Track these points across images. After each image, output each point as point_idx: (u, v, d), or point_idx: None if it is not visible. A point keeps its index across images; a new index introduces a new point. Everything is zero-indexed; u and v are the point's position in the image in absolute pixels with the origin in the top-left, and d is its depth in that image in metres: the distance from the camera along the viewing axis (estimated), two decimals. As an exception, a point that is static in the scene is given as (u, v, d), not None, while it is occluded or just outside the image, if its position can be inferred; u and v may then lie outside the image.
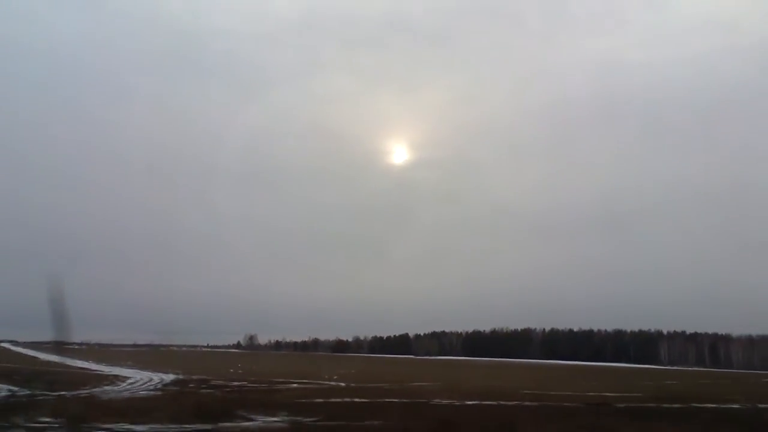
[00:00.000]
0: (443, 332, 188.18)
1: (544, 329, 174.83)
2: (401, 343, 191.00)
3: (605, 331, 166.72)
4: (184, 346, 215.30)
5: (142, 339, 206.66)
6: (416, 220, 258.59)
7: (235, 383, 37.04)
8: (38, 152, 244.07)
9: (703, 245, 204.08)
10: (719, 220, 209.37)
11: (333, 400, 26.58)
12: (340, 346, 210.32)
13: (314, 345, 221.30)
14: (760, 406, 27.38)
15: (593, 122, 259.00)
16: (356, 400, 27.00)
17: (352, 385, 38.48)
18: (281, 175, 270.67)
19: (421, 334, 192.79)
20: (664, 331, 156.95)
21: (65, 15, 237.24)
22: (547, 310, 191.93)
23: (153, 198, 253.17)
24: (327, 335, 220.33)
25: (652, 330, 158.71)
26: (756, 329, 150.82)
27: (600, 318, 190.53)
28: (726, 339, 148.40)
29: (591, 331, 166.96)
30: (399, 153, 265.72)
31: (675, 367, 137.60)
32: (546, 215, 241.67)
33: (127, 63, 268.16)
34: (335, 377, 47.38)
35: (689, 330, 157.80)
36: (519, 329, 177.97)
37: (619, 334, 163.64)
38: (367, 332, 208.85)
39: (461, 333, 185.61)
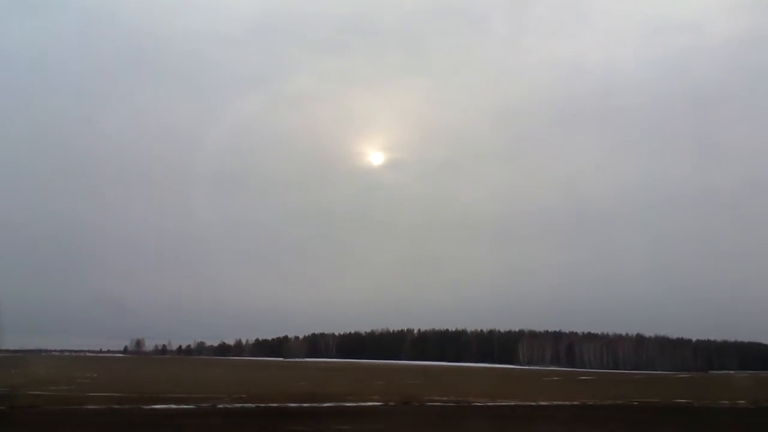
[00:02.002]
0: (321, 334, 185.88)
1: (416, 330, 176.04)
2: (279, 346, 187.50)
3: (478, 331, 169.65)
4: (66, 351, 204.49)
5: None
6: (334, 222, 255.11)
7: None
8: None
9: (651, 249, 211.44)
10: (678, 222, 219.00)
11: None
12: (223, 350, 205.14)
13: (199, 349, 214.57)
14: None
15: (558, 124, 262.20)
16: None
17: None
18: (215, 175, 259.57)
19: (300, 336, 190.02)
20: (525, 331, 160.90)
21: (23, 21, 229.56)
22: (430, 312, 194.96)
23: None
24: (218, 338, 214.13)
25: (516, 330, 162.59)
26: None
27: (497, 319, 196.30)
28: (586, 338, 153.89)
29: (463, 332, 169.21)
30: (364, 155, 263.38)
31: (531, 367, 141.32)
32: (503, 219, 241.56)
33: (90, 66, 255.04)
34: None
35: (555, 329, 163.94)
36: (394, 330, 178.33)
37: (487, 335, 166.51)
38: (252, 335, 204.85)
39: (336, 335, 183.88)
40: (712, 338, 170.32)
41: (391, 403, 26.11)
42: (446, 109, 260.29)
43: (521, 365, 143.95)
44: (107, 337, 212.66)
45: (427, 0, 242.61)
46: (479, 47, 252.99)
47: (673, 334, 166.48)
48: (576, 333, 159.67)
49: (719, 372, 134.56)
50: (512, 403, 28.37)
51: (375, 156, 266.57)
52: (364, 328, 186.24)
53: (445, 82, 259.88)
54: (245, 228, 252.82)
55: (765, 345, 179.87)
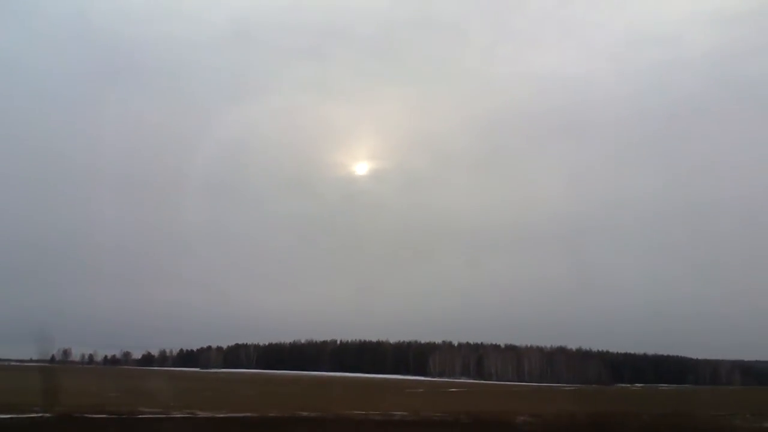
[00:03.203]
0: (243, 345, 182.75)
1: (338, 341, 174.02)
2: (200, 356, 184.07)
3: (396, 342, 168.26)
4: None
5: None
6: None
7: None
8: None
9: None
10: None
11: None
12: (147, 360, 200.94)
13: (125, 359, 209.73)
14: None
15: (535, 136, 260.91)
16: None
17: None
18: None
19: (224, 346, 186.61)
20: (440, 342, 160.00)
21: None
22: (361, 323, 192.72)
23: None
24: (145, 348, 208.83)
25: (436, 342, 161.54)
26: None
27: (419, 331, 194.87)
28: (497, 350, 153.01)
29: (381, 343, 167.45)
30: (342, 165, 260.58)
31: (440, 378, 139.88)
32: (475, 230, 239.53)
33: (68, 71, 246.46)
34: None
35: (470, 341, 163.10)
36: (315, 341, 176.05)
37: (405, 346, 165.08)
38: (177, 346, 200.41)
39: (260, 345, 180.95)
40: (630, 351, 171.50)
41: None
42: (425, 118, 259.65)
43: (432, 377, 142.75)
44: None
45: (404, 9, 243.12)
46: (458, 57, 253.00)
47: (594, 347, 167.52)
48: (495, 345, 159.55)
49: (622, 385, 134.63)
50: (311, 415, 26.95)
51: (354, 165, 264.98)
52: (293, 338, 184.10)
53: (424, 92, 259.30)
54: (211, 236, 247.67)
55: (685, 358, 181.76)
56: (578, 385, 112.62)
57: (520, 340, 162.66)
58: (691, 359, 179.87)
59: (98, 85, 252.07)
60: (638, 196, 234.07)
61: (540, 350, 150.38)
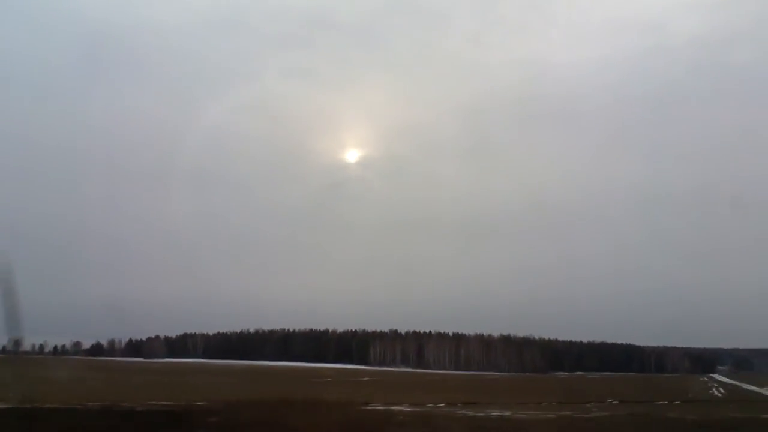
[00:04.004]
0: (191, 334, 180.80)
1: (284, 330, 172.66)
2: (148, 346, 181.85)
3: (340, 331, 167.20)
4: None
5: None
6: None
7: None
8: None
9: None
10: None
11: None
12: (96, 350, 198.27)
13: (75, 349, 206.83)
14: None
15: (520, 124, 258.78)
16: None
17: None
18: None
19: (172, 336, 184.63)
20: (385, 331, 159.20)
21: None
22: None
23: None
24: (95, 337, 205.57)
25: (375, 330, 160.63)
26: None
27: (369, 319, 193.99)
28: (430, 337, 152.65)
29: (325, 332, 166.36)
30: (327, 152, 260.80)
31: (378, 367, 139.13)
32: (457, 218, 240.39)
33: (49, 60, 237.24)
34: None
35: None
36: (261, 330, 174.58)
37: (350, 335, 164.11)
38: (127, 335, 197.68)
39: (208, 334, 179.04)
40: (577, 340, 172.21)
41: None
42: (410, 105, 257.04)
43: (372, 366, 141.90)
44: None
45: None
46: (442, 44, 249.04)
47: (542, 335, 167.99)
48: (443, 334, 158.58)
49: (560, 373, 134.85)
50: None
51: (340, 153, 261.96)
52: (244, 327, 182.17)
53: (410, 80, 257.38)
54: (190, 225, 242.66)
55: (633, 346, 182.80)
56: (507, 373, 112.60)
57: (469, 329, 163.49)
58: (638, 347, 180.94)
59: (83, 72, 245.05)
60: (624, 183, 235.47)
61: (480, 338, 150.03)
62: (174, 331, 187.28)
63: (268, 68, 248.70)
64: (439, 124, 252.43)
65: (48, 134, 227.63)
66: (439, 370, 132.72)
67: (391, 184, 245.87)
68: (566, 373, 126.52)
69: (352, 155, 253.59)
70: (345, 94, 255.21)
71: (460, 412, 25.29)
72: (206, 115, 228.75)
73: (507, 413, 24.86)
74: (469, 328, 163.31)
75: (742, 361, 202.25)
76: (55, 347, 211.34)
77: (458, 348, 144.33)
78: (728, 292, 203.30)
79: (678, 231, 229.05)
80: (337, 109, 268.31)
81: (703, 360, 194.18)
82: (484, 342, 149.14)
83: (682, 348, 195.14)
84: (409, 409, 25.51)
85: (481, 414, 24.17)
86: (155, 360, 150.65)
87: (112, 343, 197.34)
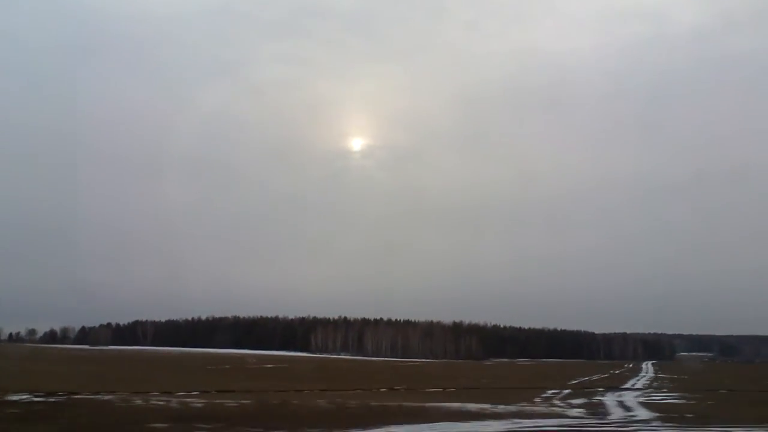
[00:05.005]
0: (143, 321, 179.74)
1: (233, 317, 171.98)
2: (98, 333, 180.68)
3: (287, 318, 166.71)
4: None
5: None
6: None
7: None
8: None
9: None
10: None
11: None
12: (50, 337, 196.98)
13: (29, 336, 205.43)
14: None
15: (518, 112, 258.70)
16: None
17: None
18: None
19: (122, 324, 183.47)
20: (332, 318, 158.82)
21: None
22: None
23: None
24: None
25: (318, 317, 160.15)
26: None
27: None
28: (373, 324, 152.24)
29: (272, 319, 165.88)
30: (323, 142, 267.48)
31: (319, 354, 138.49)
32: (453, 206, 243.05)
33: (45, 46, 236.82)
34: None
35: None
36: (210, 318, 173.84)
37: (297, 322, 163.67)
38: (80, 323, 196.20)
39: (158, 321, 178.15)
40: (525, 326, 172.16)
41: None
42: (407, 94, 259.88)
43: (312, 353, 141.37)
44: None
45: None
46: (440, 32, 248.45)
47: (483, 321, 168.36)
48: (390, 321, 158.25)
49: (497, 359, 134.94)
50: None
51: (338, 142, 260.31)
52: (198, 314, 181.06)
53: (407, 68, 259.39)
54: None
55: (585, 332, 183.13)
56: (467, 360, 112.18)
57: (422, 316, 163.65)
58: (590, 333, 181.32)
59: (76, 60, 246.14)
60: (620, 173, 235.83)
61: (429, 325, 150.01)
62: (126, 319, 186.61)
63: (264, 56, 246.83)
64: (437, 113, 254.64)
65: (39, 119, 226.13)
66: (376, 357, 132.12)
67: (387, 173, 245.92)
68: (495, 360, 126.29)
69: (349, 144, 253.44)
70: (342, 82, 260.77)
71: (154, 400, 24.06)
72: (201, 102, 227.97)
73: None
74: (422, 315, 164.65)
75: (729, 348, 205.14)
76: (10, 334, 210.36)
77: (400, 335, 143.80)
78: (721, 282, 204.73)
79: (672, 220, 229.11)
80: (334, 97, 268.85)
81: (658, 346, 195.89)
82: (432, 329, 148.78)
83: (639, 334, 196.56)
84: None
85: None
86: (105, 347, 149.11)
87: (65, 330, 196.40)
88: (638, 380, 54.43)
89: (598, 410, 24.04)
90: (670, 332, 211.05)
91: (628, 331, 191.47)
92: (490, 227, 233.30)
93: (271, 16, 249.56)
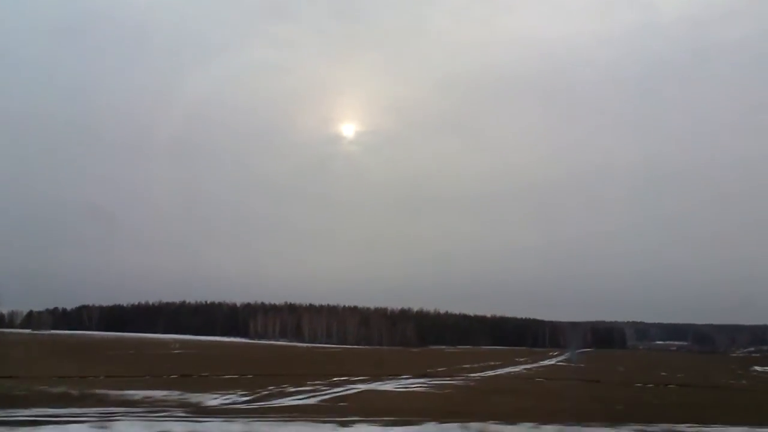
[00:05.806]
0: (89, 306, 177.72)
1: (180, 302, 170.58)
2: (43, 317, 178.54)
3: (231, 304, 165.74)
4: None
5: None
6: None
7: None
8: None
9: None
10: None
11: None
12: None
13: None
14: None
15: (510, 100, 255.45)
16: None
17: None
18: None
19: (68, 309, 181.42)
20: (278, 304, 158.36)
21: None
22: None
23: None
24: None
25: (264, 303, 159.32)
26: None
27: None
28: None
29: (215, 305, 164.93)
30: (310, 127, 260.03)
31: (257, 341, 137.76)
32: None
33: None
34: None
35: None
36: (154, 303, 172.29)
37: (241, 308, 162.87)
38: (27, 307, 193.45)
39: (104, 306, 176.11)
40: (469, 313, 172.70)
41: None
42: (398, 80, 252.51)
43: (252, 339, 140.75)
44: None
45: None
46: (428, 19, 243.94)
47: (427, 308, 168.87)
48: (348, 308, 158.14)
49: (435, 347, 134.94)
50: None
51: (325, 127, 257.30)
52: (144, 299, 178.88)
53: (395, 54, 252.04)
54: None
55: (532, 320, 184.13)
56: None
57: (376, 303, 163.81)
58: (539, 321, 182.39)
59: (59, 42, 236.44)
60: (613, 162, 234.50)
61: (355, 310, 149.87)
62: (74, 304, 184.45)
63: (251, 40, 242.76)
64: (427, 101, 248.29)
65: (26, 102, 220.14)
66: (311, 343, 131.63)
67: (373, 158, 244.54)
68: (422, 348, 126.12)
69: (336, 129, 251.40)
70: (330, 68, 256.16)
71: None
72: (186, 87, 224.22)
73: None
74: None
75: (702, 336, 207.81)
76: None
77: (336, 322, 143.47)
78: (704, 271, 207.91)
79: (660, 213, 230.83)
80: (323, 83, 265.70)
81: (609, 335, 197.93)
82: (357, 314, 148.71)
83: (590, 322, 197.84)
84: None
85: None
86: (45, 332, 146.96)
87: (12, 314, 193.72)
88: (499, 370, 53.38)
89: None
90: (648, 321, 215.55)
91: (595, 320, 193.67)
92: (475, 216, 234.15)
93: (259, 1, 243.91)
